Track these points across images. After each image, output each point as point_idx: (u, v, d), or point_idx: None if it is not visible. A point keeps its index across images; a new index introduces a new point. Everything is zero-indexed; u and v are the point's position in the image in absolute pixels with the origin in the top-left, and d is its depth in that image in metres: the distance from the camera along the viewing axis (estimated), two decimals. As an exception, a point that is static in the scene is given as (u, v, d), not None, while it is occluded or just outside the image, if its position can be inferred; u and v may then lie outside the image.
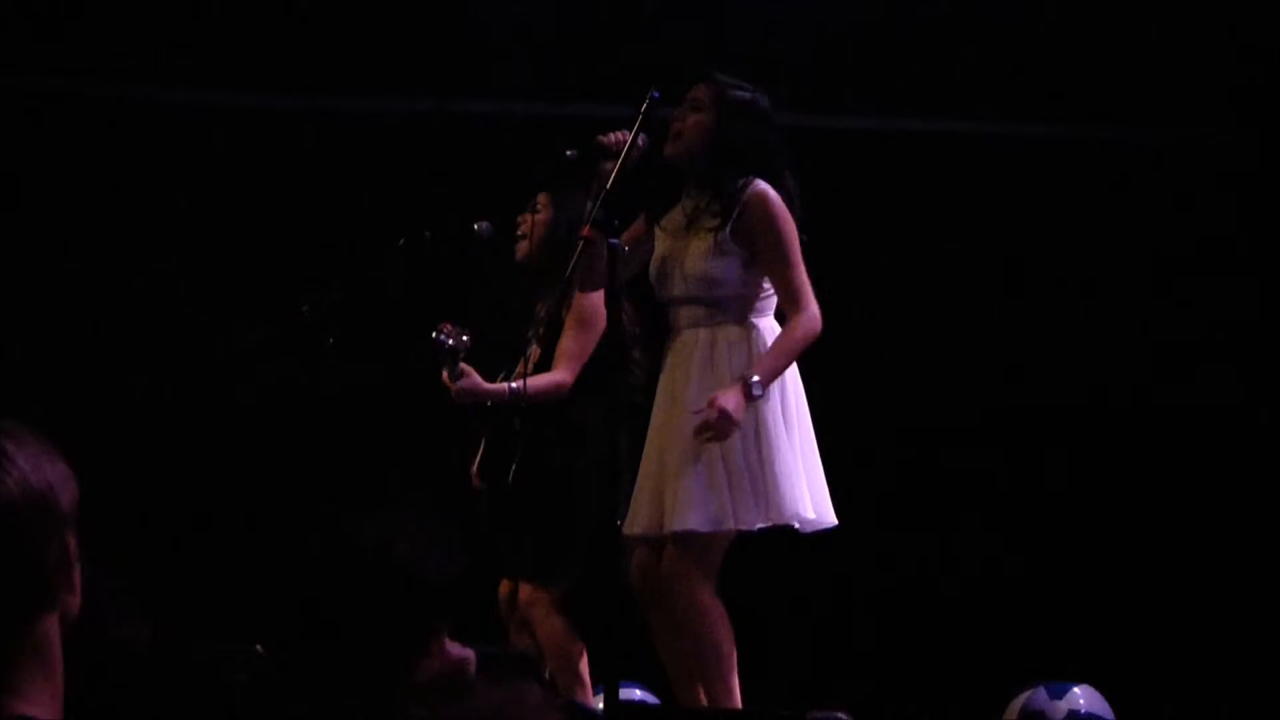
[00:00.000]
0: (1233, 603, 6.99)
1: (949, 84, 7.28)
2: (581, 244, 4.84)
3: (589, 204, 4.98)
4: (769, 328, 4.98)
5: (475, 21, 7.22)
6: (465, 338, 5.35)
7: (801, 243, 4.94)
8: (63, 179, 6.94)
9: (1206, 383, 7.19)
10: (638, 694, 5.84)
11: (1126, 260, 7.31)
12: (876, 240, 7.12)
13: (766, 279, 4.97)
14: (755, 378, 4.79)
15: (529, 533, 5.48)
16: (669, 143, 5.04)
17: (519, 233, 5.60)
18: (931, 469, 7.13)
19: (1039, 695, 5.54)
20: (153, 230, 6.98)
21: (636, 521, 4.97)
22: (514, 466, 5.48)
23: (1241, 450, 7.17)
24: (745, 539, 4.93)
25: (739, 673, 5.01)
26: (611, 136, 4.96)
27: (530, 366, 5.47)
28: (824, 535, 5.01)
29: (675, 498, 4.88)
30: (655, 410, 5.07)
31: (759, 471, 4.87)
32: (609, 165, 4.92)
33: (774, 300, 5.01)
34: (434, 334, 5.34)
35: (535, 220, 5.54)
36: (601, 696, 5.05)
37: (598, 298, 5.25)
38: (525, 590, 5.50)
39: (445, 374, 5.38)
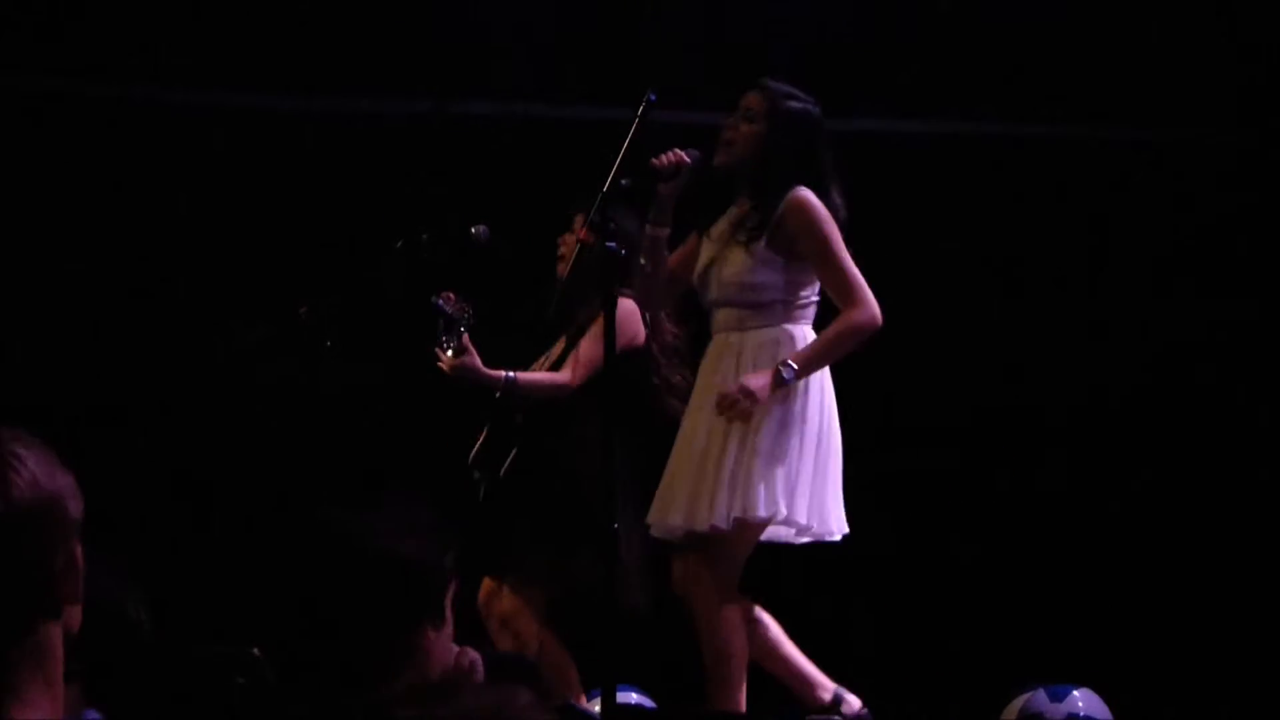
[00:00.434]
0: (1233, 605, 6.98)
1: (949, 84, 7.27)
2: (579, 248, 4.86)
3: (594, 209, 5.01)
4: (803, 335, 5.04)
5: (475, 21, 7.22)
6: (467, 311, 5.36)
7: None
8: (63, 179, 6.94)
9: (1206, 383, 7.18)
10: (634, 697, 5.85)
11: (1126, 260, 7.30)
12: (876, 240, 7.09)
13: (806, 287, 5.02)
14: (790, 363, 4.82)
15: (518, 530, 5.49)
16: (719, 152, 5.09)
17: (559, 253, 5.63)
18: (930, 470, 7.12)
19: (1038, 698, 5.54)
20: (152, 230, 6.98)
21: (663, 522, 5.02)
22: (508, 460, 5.50)
23: (1241, 451, 7.16)
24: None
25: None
26: (664, 159, 4.98)
27: (549, 364, 5.54)
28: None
29: (693, 497, 4.92)
30: (686, 412, 5.11)
31: (752, 466, 4.90)
32: (664, 188, 4.95)
33: (813, 309, 5.08)
34: (434, 299, 5.36)
35: (572, 241, 5.53)
36: (598, 700, 5.05)
37: (627, 307, 5.29)
38: (509, 600, 5.50)
39: (442, 344, 5.38)
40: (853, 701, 5.16)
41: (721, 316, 5.08)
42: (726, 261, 5.04)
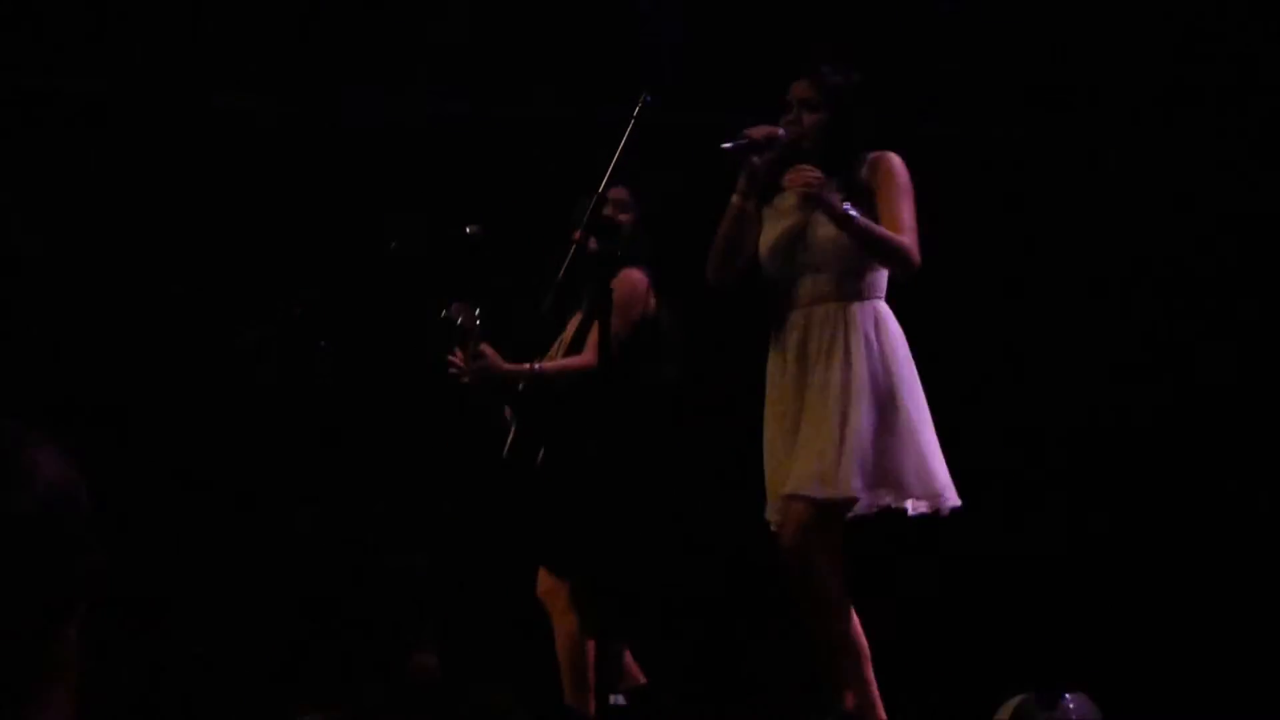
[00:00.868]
0: (1227, 610, 6.97)
1: (949, 84, 7.27)
2: (574, 248, 4.86)
3: (584, 203, 5.02)
4: (888, 313, 5.14)
5: (482, 22, 7.23)
6: (476, 318, 5.37)
7: None
8: (62, 179, 6.95)
9: (1203, 385, 7.18)
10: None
11: (1127, 260, 7.30)
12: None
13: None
14: (851, 210, 4.96)
15: (550, 520, 5.49)
16: (791, 145, 5.16)
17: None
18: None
19: (1029, 702, 5.54)
20: (151, 230, 6.98)
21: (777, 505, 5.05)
22: (542, 452, 5.50)
23: (1238, 454, 7.15)
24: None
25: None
26: (759, 130, 5.08)
27: (562, 348, 5.54)
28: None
29: (807, 465, 4.97)
30: (777, 385, 5.13)
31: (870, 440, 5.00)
32: (756, 160, 5.03)
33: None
34: (444, 313, 5.38)
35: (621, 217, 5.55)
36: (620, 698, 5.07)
37: (636, 283, 5.31)
38: (545, 581, 5.52)
39: (460, 353, 5.40)
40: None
41: (809, 285, 5.13)
42: (819, 222, 5.09)
